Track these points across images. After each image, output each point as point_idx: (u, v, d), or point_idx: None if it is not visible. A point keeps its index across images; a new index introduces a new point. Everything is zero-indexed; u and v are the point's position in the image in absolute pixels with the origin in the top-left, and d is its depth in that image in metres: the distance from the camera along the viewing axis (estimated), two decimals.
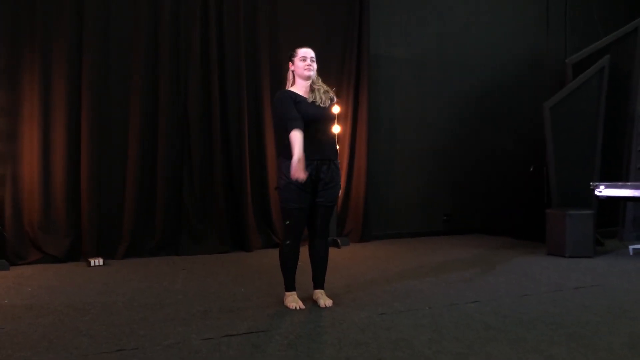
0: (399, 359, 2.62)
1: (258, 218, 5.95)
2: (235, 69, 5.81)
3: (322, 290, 3.64)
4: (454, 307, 3.55)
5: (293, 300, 3.53)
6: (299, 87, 3.52)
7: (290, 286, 3.59)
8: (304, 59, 3.48)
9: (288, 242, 3.52)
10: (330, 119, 3.57)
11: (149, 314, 3.36)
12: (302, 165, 3.23)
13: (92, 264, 4.88)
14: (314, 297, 3.62)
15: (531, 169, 6.56)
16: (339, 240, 6.00)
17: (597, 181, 5.72)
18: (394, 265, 5.04)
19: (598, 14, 7.48)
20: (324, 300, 3.56)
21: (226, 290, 4.02)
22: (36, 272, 4.60)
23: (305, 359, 2.63)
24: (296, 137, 3.28)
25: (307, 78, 3.49)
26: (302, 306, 3.49)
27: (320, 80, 3.60)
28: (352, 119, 6.43)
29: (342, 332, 3.02)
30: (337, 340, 2.89)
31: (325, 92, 3.55)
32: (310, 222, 3.56)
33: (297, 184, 3.34)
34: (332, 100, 3.58)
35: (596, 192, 5.48)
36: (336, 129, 5.89)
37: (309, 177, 3.38)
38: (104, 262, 4.95)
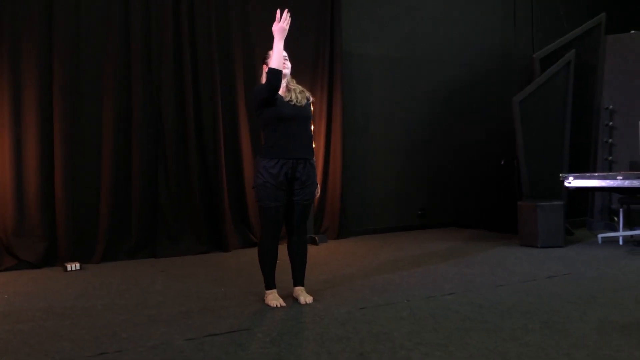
0: (380, 352, 2.68)
1: (235, 217, 5.96)
2: (209, 68, 5.80)
3: (302, 287, 3.69)
4: (432, 299, 3.63)
5: (274, 298, 3.56)
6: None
7: (270, 284, 3.62)
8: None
9: (266, 240, 3.57)
10: (305, 118, 3.59)
11: (130, 316, 3.36)
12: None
13: (69, 268, 4.84)
14: (294, 295, 3.67)
15: (502, 163, 6.70)
16: (316, 238, 6.05)
17: (566, 173, 5.88)
18: (371, 260, 5.11)
19: (563, 9, 7.67)
20: (304, 297, 3.61)
21: (206, 290, 4.04)
22: (11, 279, 4.53)
23: (288, 355, 2.67)
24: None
25: (283, 76, 3.50)
26: (283, 304, 3.53)
27: (294, 82, 3.65)
28: (327, 116, 6.48)
29: (323, 328, 3.07)
30: (319, 335, 2.94)
31: (301, 92, 3.60)
32: (287, 220, 3.60)
33: (272, 182, 3.41)
34: (308, 100, 3.62)
35: (565, 183, 5.63)
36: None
37: (285, 175, 3.44)
38: (80, 266, 4.91)
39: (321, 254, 5.47)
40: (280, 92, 3.53)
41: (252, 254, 5.50)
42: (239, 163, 5.97)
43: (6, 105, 4.97)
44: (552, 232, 5.54)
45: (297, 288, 3.68)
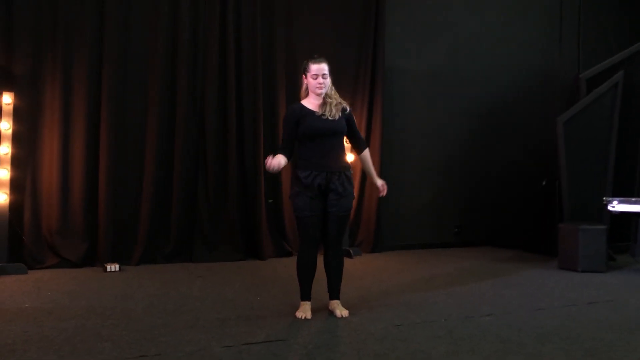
0: None
1: (271, 227, 6.00)
2: (252, 79, 5.88)
3: (337, 301, 3.68)
4: (469, 319, 3.58)
5: (301, 310, 3.57)
6: (311, 100, 3.59)
7: (304, 295, 3.62)
8: (315, 76, 3.52)
9: (302, 251, 3.59)
10: (338, 132, 3.57)
11: (168, 320, 3.41)
12: (275, 163, 3.43)
13: (109, 269, 4.95)
14: (330, 308, 3.67)
15: (543, 183, 6.58)
16: (351, 251, 6.03)
17: (609, 196, 5.73)
18: (406, 276, 5.07)
19: (611, 29, 7.53)
20: (340, 311, 3.60)
21: (242, 298, 4.07)
22: (54, 277, 4.66)
23: None
24: (278, 157, 3.47)
25: (319, 95, 3.55)
26: (308, 316, 3.52)
27: (334, 91, 3.63)
28: (366, 130, 6.48)
29: (359, 343, 3.05)
30: (355, 351, 2.93)
31: (337, 104, 3.58)
32: (324, 232, 3.61)
33: (307, 192, 3.46)
34: (344, 111, 3.61)
35: (609, 207, 5.50)
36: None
37: (319, 186, 3.48)
38: (120, 267, 5.01)
39: (356, 268, 5.46)
40: (314, 107, 3.56)
41: (287, 263, 5.57)
42: (277, 173, 6.00)
43: (57, 112, 5.15)
44: (594, 257, 5.40)
45: (333, 301, 3.68)
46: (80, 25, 5.23)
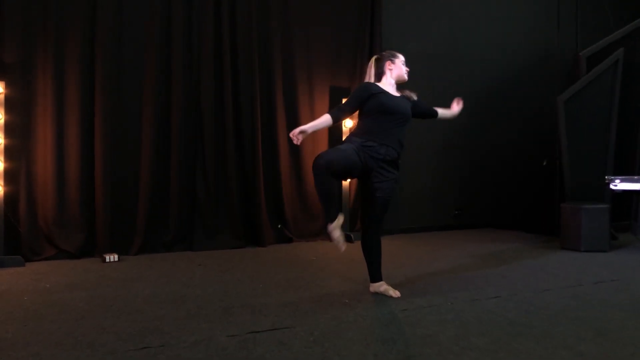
0: (427, 355, 2.61)
1: (271, 213, 5.94)
2: (248, 64, 5.79)
3: (381, 282, 3.74)
4: (476, 302, 3.54)
5: (338, 232, 3.30)
6: (386, 84, 3.70)
7: (331, 215, 3.30)
8: (404, 63, 3.77)
9: (321, 163, 3.24)
10: (407, 118, 3.66)
11: (171, 311, 3.36)
12: (302, 132, 3.45)
13: (108, 259, 4.88)
14: (375, 290, 3.73)
15: (544, 163, 6.53)
16: (352, 236, 5.98)
17: (611, 175, 5.69)
18: (408, 260, 5.02)
19: (609, 7, 7.43)
20: (393, 291, 3.66)
21: (245, 286, 4.01)
22: (52, 269, 4.59)
23: (332, 355, 2.62)
24: (323, 118, 3.54)
25: (404, 81, 3.78)
26: (343, 246, 3.38)
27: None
28: None
29: (366, 329, 3.01)
30: (363, 336, 2.88)
31: (409, 96, 3.79)
32: (364, 212, 3.66)
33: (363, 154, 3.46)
34: (412, 101, 3.78)
35: (611, 186, 5.46)
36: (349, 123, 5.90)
37: (379, 157, 3.50)
38: (119, 257, 4.95)
39: (357, 252, 5.38)
40: (389, 90, 3.67)
41: (288, 250, 5.52)
42: (275, 159, 5.95)
43: (50, 100, 5.04)
44: (597, 236, 5.38)
45: (375, 284, 3.75)
46: (71, 12, 5.10)
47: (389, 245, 5.86)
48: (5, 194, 4.77)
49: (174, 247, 5.45)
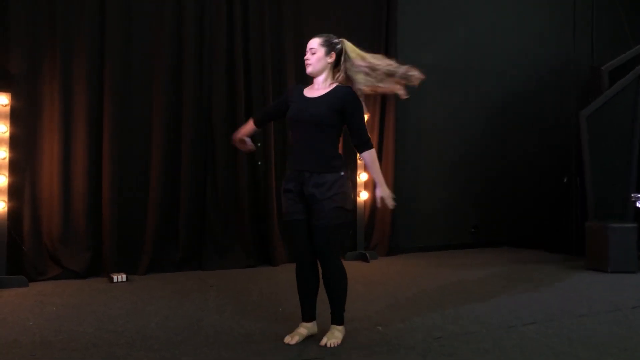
0: None
1: (283, 231, 5.72)
2: (260, 75, 5.59)
3: (334, 325, 3.06)
4: (512, 329, 3.32)
5: (293, 333, 3.08)
6: (314, 83, 3.09)
7: (303, 314, 3.13)
8: (307, 51, 3.03)
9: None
10: (316, 123, 2.94)
11: (187, 336, 3.13)
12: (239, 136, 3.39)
13: (115, 279, 4.64)
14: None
15: (565, 180, 6.33)
16: (367, 255, 5.76)
17: (633, 192, 5.50)
18: (431, 281, 4.79)
19: (626, 20, 7.29)
20: (328, 339, 2.97)
21: (263, 309, 3.79)
22: (58, 289, 4.35)
23: None
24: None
25: (310, 75, 3.05)
26: (292, 342, 3.00)
27: (340, 76, 3.04)
28: (379, 128, 6.21)
29: (402, 358, 2.78)
30: None
31: (332, 91, 2.99)
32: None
33: (285, 192, 3.04)
34: (343, 99, 2.95)
35: (638, 204, 5.25)
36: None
37: (296, 188, 2.99)
38: (127, 277, 4.71)
39: (375, 273, 5.17)
40: (311, 91, 3.10)
41: None
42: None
43: (57, 113, 4.77)
44: (624, 256, 5.16)
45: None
46: (79, 21, 4.90)
47: (407, 265, 5.65)
48: (9, 210, 4.53)
49: (184, 266, 5.21)
